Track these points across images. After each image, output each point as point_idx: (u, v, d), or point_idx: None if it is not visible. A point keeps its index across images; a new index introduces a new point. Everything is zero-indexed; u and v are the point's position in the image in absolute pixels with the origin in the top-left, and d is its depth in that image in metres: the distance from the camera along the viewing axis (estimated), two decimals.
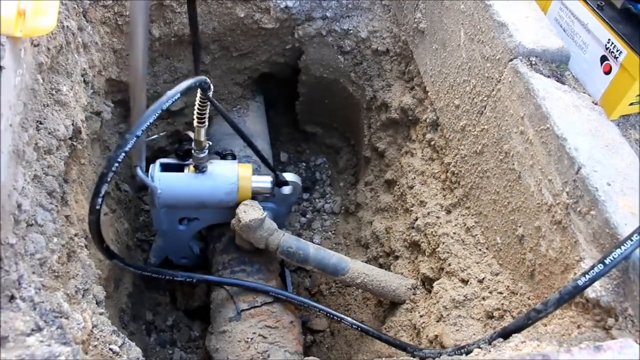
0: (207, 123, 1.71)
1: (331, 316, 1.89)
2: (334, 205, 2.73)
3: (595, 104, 1.44)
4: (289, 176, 2.02)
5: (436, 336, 1.58)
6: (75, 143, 1.53)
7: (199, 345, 2.19)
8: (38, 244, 1.16)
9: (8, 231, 1.05)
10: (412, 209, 1.99)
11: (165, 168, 1.90)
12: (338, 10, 2.26)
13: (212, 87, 1.58)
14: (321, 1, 2.22)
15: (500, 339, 1.22)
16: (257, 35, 2.29)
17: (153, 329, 2.21)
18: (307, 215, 2.72)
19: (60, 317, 1.10)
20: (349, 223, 2.59)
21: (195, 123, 1.70)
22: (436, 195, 1.87)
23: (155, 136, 1.91)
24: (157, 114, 1.41)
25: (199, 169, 1.89)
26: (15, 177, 1.11)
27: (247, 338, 1.79)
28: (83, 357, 1.08)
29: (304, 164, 2.87)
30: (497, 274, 1.52)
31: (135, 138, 1.38)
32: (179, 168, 1.92)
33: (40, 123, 1.32)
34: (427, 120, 1.95)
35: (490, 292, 1.51)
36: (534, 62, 1.45)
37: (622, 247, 1.01)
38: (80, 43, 1.68)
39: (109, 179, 1.38)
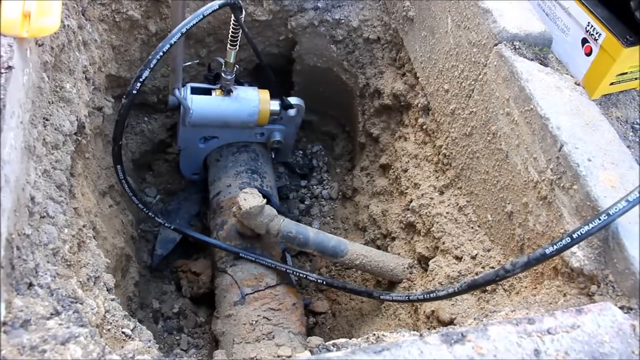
0: (238, 46, 1.95)
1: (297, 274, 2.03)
2: (331, 191, 2.79)
3: (578, 84, 1.50)
4: (293, 100, 2.31)
5: (433, 311, 1.65)
6: (79, 138, 1.59)
7: (205, 330, 2.25)
8: (51, 234, 1.22)
9: (24, 222, 1.12)
10: (406, 191, 2.06)
11: (194, 91, 2.15)
12: (329, 1, 2.31)
13: (243, 10, 1.79)
14: None
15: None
16: (251, 28, 2.34)
17: (160, 316, 2.27)
18: (306, 202, 2.78)
19: (76, 302, 1.16)
20: (347, 208, 2.66)
21: (228, 45, 1.94)
22: (429, 177, 1.93)
23: (190, 62, 2.16)
24: (192, 24, 1.67)
25: (226, 91, 2.16)
26: (27, 172, 1.17)
27: (252, 321, 1.85)
28: (99, 338, 1.14)
29: (300, 152, 2.93)
30: (489, 250, 1.58)
31: (179, 33, 1.66)
32: (207, 92, 2.18)
33: (47, 119, 1.38)
34: (419, 105, 2.01)
35: (483, 268, 1.58)
36: (517, 46, 1.52)
37: (590, 225, 1.09)
38: (81, 41, 1.73)
39: (152, 66, 1.65)
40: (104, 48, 2.01)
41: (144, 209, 2.04)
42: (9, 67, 1.07)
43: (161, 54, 1.65)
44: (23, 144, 1.15)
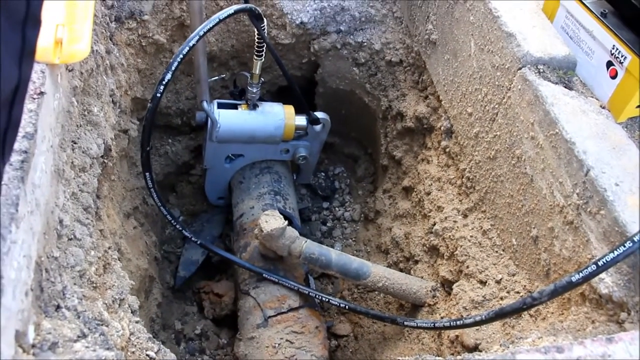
0: (264, 57, 1.97)
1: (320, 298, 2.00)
2: (353, 213, 2.79)
3: (603, 107, 1.49)
4: (319, 114, 2.30)
5: (457, 336, 1.63)
6: (106, 160, 1.62)
7: (227, 353, 2.25)
8: (77, 256, 1.24)
9: (52, 245, 1.13)
10: (429, 214, 2.05)
11: (220, 106, 2.18)
12: (352, 24, 2.33)
13: (264, 18, 1.80)
14: (335, 16, 2.30)
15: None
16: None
17: (182, 338, 2.28)
18: (328, 224, 2.78)
19: (102, 324, 1.17)
20: (369, 230, 2.65)
21: (254, 56, 1.96)
22: (453, 200, 1.93)
23: (217, 77, 2.17)
24: (209, 27, 1.71)
25: (252, 105, 2.19)
26: (57, 195, 1.19)
27: (275, 343, 1.84)
28: None
29: (323, 174, 2.93)
30: (513, 275, 1.57)
31: (197, 36, 1.70)
32: (233, 107, 2.20)
33: (75, 143, 1.41)
34: (442, 128, 2.01)
35: (507, 292, 1.56)
36: (542, 70, 1.51)
37: (615, 252, 1.08)
38: (108, 65, 1.76)
39: (173, 68, 1.69)
40: (130, 71, 2.05)
41: (172, 220, 2.05)
42: (41, 93, 1.09)
43: (181, 56, 1.69)
44: (53, 168, 1.18)
